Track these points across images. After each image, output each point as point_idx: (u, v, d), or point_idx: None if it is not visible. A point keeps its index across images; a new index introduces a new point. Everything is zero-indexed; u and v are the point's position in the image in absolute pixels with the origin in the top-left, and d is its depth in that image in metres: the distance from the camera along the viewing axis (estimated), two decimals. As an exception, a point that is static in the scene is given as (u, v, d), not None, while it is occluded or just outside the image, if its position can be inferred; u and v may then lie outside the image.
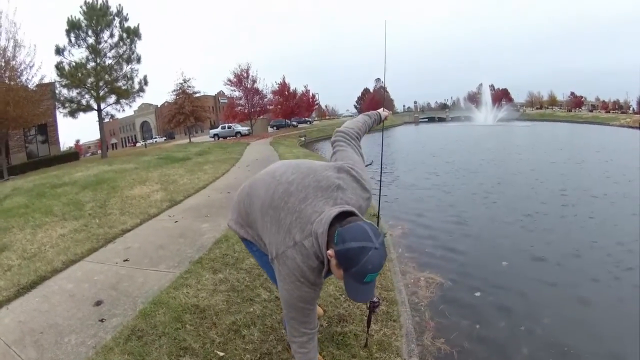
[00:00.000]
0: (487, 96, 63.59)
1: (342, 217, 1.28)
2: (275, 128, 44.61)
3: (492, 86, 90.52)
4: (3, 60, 14.24)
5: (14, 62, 14.52)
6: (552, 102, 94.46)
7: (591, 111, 75.60)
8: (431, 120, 71.70)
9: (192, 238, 4.28)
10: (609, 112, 69.62)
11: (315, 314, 1.48)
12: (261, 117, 37.44)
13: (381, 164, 2.66)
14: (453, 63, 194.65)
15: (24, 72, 14.98)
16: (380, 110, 2.22)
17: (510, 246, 4.68)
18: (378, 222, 2.40)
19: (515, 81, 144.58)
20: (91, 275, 3.43)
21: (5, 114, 13.74)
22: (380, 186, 2.41)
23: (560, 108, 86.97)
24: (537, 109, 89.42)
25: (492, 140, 21.81)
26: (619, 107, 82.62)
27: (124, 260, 3.72)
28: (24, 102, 14.19)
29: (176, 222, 5.12)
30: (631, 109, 77.20)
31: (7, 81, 14.16)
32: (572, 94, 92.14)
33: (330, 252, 1.22)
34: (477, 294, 3.44)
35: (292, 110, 41.87)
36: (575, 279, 3.72)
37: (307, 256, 1.32)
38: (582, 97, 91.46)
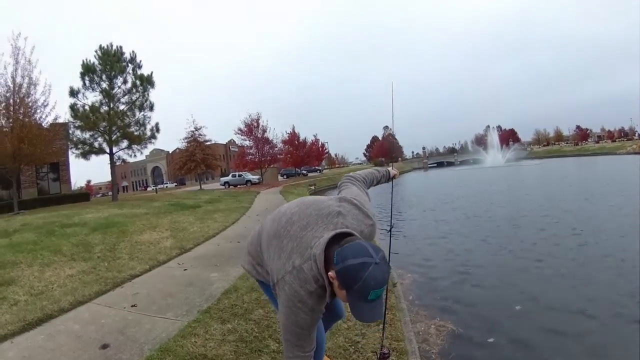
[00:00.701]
0: (494, 138, 64.13)
1: (341, 238, 1.29)
2: (285, 177, 45.23)
3: (499, 127, 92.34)
4: (18, 97, 14.50)
5: (28, 100, 14.77)
6: (559, 137, 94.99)
7: (597, 142, 76.04)
8: (440, 165, 72.26)
9: (201, 287, 4.25)
10: (615, 141, 69.74)
11: (312, 338, 1.44)
12: (271, 165, 38.00)
13: (391, 217, 2.69)
14: (459, 108, 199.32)
15: (38, 110, 15.19)
16: (390, 168, 2.32)
17: (522, 291, 4.53)
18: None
19: (521, 118, 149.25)
20: (98, 318, 3.41)
21: (19, 150, 13.94)
22: (390, 238, 2.44)
23: (567, 143, 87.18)
24: (544, 146, 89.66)
25: (501, 182, 21.69)
26: (625, 135, 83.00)
27: (132, 306, 3.71)
28: (37, 140, 14.36)
29: (185, 270, 5.13)
30: (636, 134, 77.51)
31: (21, 117, 14.39)
32: (578, 127, 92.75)
33: (332, 273, 1.22)
34: (491, 339, 3.34)
35: (302, 159, 42.61)
36: (590, 323, 3.57)
37: (305, 280, 1.31)
38: (587, 129, 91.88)
